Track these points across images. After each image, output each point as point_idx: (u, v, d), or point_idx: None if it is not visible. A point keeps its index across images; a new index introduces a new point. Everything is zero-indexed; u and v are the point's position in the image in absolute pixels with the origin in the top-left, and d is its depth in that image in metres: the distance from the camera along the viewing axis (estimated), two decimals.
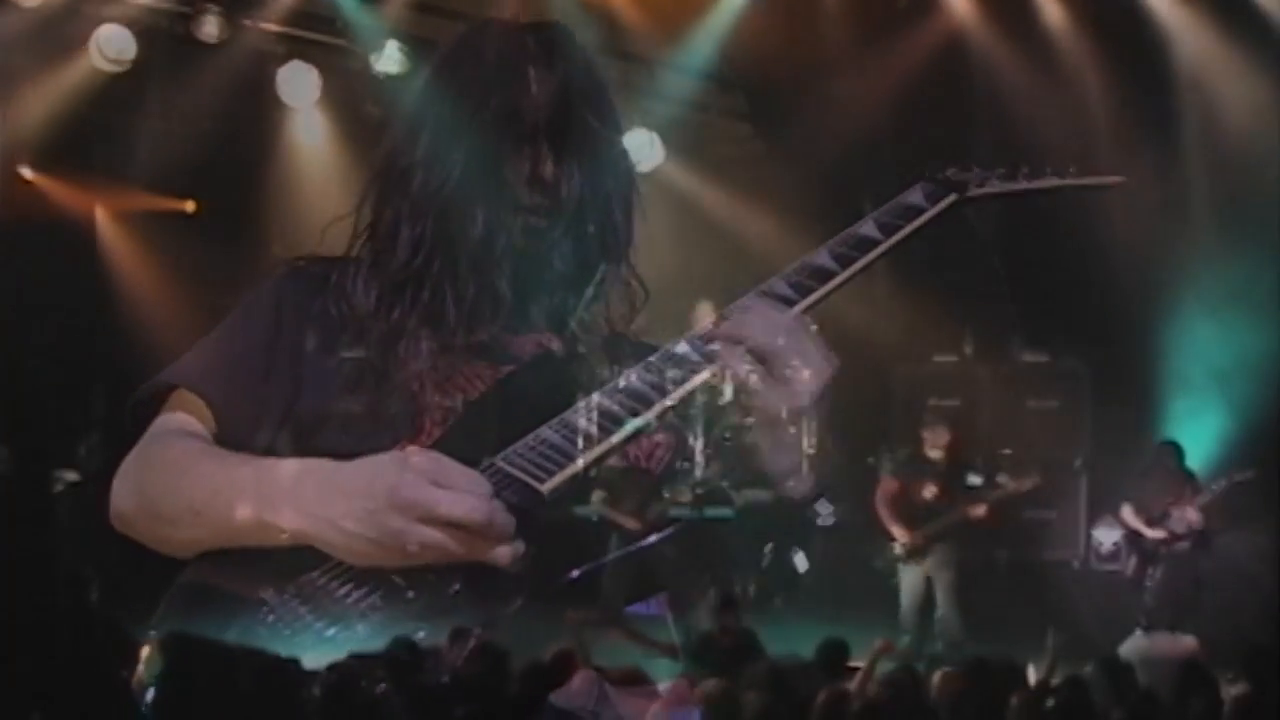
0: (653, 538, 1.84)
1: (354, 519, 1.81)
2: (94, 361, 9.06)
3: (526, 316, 2.07)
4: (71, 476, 8.81)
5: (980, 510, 9.24)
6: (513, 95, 2.04)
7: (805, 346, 1.90)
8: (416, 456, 1.83)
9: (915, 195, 2.20)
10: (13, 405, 8.36)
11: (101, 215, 10.08)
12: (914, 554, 9.16)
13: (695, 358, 1.94)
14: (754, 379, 1.88)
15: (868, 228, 2.14)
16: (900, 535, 9.20)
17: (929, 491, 9.26)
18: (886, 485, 9.37)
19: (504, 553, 1.80)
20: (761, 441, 1.91)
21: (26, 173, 9.45)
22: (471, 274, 2.03)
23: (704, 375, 1.90)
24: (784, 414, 1.89)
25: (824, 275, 2.06)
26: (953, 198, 2.20)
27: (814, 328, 1.94)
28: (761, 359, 1.88)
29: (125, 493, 2.07)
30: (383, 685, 1.78)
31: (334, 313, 2.05)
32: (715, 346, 1.92)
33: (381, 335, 2.03)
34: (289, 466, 1.92)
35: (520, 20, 2.15)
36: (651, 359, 1.96)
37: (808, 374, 1.89)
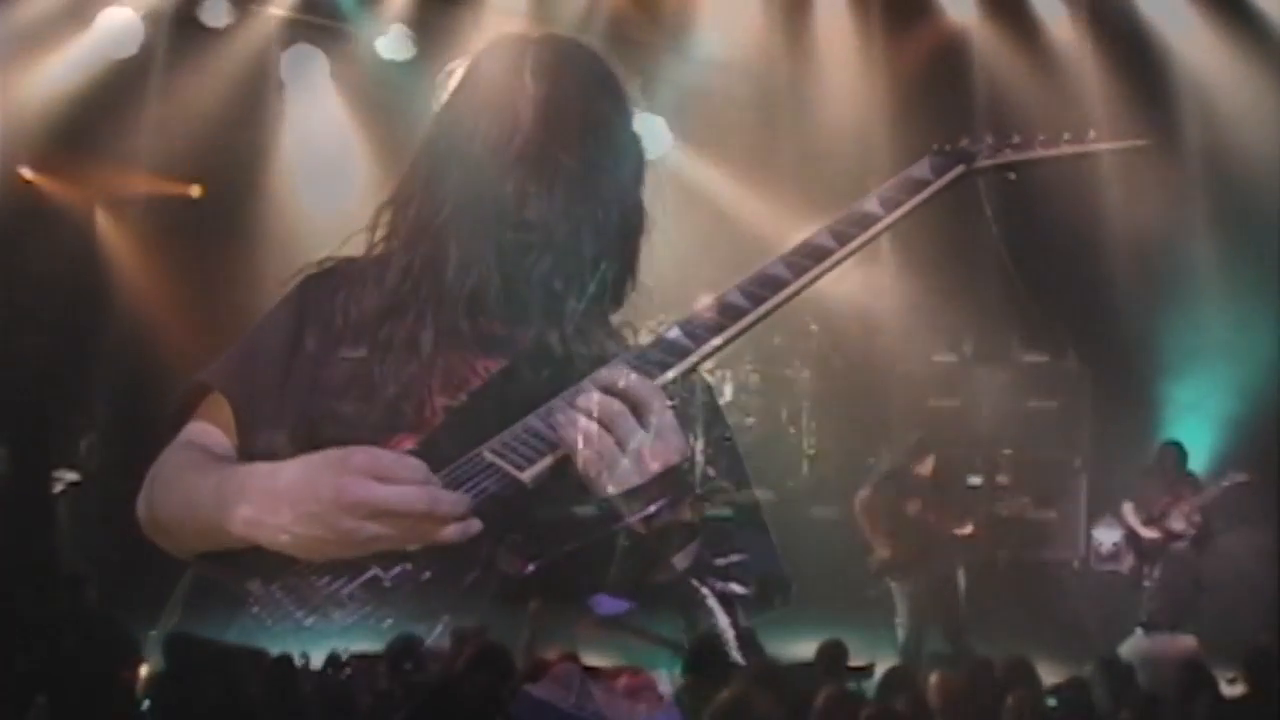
0: (619, 525, 1.84)
1: (302, 524, 1.85)
2: (94, 361, 9.05)
3: (523, 320, 2.10)
4: (71, 476, 8.81)
5: (968, 529, 9.20)
6: (502, 120, 2.08)
7: (644, 430, 1.87)
8: (356, 455, 1.87)
9: (921, 168, 2.17)
10: (13, 405, 8.36)
11: (101, 215, 10.07)
12: (895, 570, 9.13)
13: (670, 357, 1.96)
14: (591, 459, 1.87)
15: (870, 204, 2.11)
16: (881, 549, 9.15)
17: (913, 507, 9.19)
18: (866, 498, 9.28)
19: (451, 532, 1.83)
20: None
21: (26, 173, 9.44)
22: (455, 305, 2.09)
23: (559, 453, 1.89)
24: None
25: (820, 254, 2.05)
26: (960, 169, 2.17)
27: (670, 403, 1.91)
28: (595, 445, 1.86)
29: (141, 501, 2.14)
30: (348, 671, 1.81)
31: (340, 319, 2.13)
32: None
33: (380, 344, 2.09)
34: (240, 474, 1.96)
35: (532, 32, 2.21)
36: (644, 348, 1.99)
37: (639, 460, 1.86)
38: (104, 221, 10.08)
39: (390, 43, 9.05)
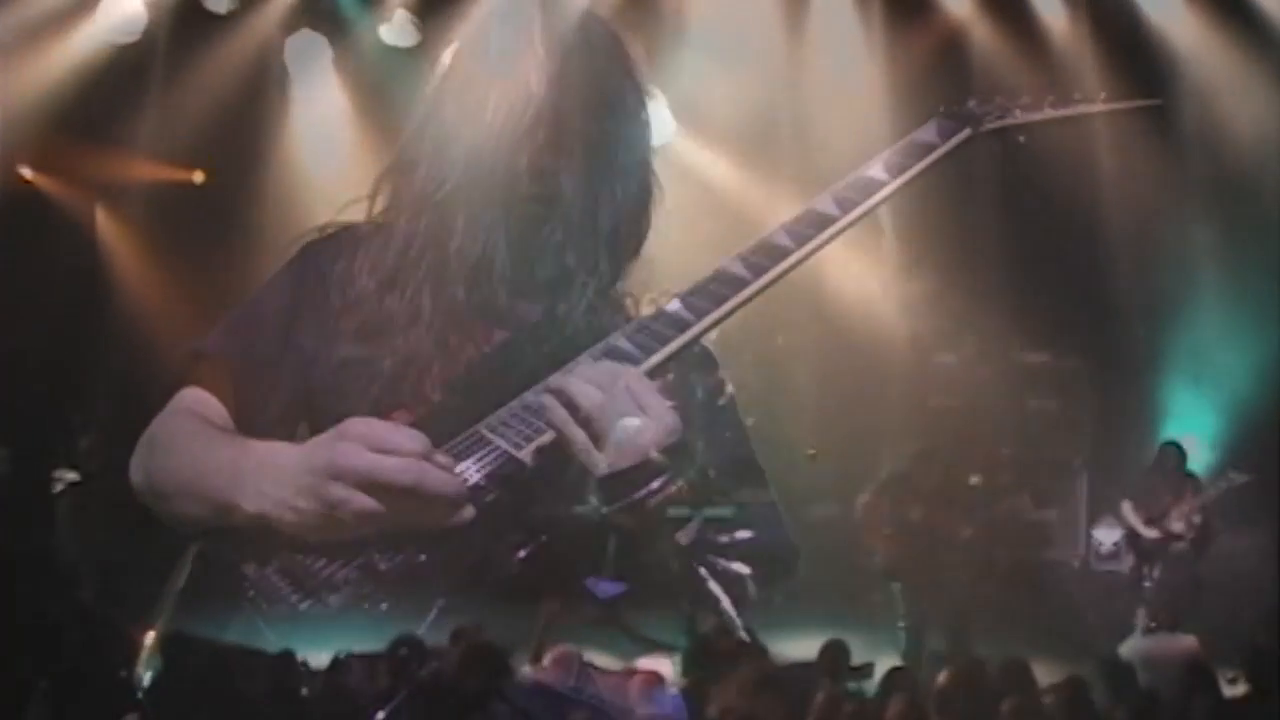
0: (604, 510, 1.82)
1: (302, 496, 1.82)
2: (94, 360, 9.04)
3: (530, 293, 2.07)
4: (71, 476, 8.80)
5: (968, 530, 9.19)
6: (514, 89, 2.04)
7: (632, 414, 1.84)
8: (353, 425, 1.84)
9: (928, 132, 2.13)
10: (13, 405, 8.35)
11: (102, 213, 10.06)
12: (897, 571, 9.11)
13: (671, 329, 1.94)
14: (581, 443, 1.84)
15: (875, 169, 2.07)
16: (883, 552, 9.14)
17: (915, 511, 9.18)
18: (868, 502, 9.27)
19: (452, 518, 1.80)
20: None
21: (26, 173, 9.42)
22: (458, 275, 2.06)
23: (547, 437, 1.86)
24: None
25: (823, 222, 2.01)
26: (967, 132, 2.13)
27: (655, 384, 1.88)
28: (589, 427, 1.83)
29: (136, 467, 2.10)
30: (344, 656, 1.79)
31: (338, 292, 2.10)
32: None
33: (381, 318, 2.06)
34: (256, 451, 1.93)
35: None
36: (644, 320, 1.97)
37: (633, 441, 1.83)
38: (104, 219, 10.07)
39: (394, 29, 9.03)
